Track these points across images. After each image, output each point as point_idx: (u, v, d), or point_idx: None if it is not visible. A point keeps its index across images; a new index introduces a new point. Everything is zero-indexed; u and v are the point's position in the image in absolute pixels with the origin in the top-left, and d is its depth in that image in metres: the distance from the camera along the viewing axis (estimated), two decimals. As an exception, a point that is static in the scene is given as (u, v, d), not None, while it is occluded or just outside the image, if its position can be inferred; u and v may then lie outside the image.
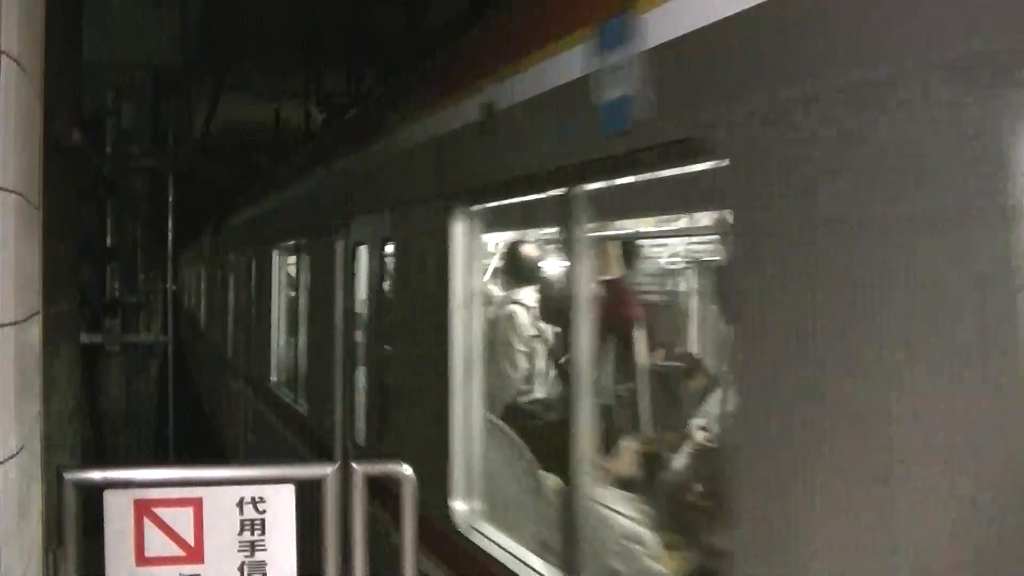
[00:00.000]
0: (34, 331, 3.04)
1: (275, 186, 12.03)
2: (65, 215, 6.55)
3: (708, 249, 6.44)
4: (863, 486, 2.21)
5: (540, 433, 5.13)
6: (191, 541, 3.22)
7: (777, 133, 2.52)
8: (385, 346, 6.54)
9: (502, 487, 4.99)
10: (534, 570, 4.18)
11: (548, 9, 4.20)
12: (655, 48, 3.16)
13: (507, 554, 4.39)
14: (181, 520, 3.21)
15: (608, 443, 4.77)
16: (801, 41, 2.47)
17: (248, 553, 3.25)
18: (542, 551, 4.34)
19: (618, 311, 5.42)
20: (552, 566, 4.08)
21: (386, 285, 6.53)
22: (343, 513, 3.28)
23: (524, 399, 5.95)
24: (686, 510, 4.38)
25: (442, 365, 4.97)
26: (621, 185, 3.51)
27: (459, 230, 4.88)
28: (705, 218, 4.67)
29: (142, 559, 3.18)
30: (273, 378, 11.22)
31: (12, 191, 2.55)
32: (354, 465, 3.33)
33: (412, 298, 5.77)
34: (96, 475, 3.19)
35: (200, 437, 17.29)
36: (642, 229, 5.50)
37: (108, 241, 13.22)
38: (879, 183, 2.18)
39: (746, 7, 2.66)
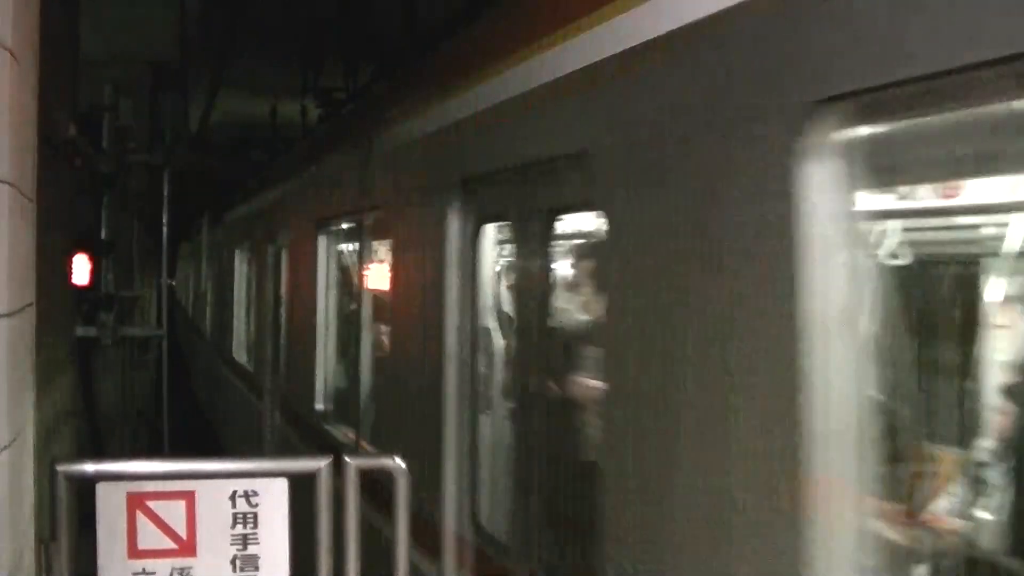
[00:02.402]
0: (27, 322, 3.04)
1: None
2: (60, 208, 6.56)
3: None
4: None
5: None
6: (184, 534, 3.22)
7: None
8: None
9: None
10: None
11: None
12: None
13: None
14: (174, 513, 3.21)
15: None
16: None
17: (241, 546, 3.26)
18: None
19: None
20: None
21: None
22: (336, 507, 3.28)
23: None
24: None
25: None
26: None
27: None
28: None
29: (135, 551, 3.19)
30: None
31: (6, 182, 2.55)
32: (347, 459, 3.34)
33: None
34: (89, 468, 3.19)
35: (195, 431, 17.30)
36: None
37: (104, 235, 13.20)
38: None
39: None
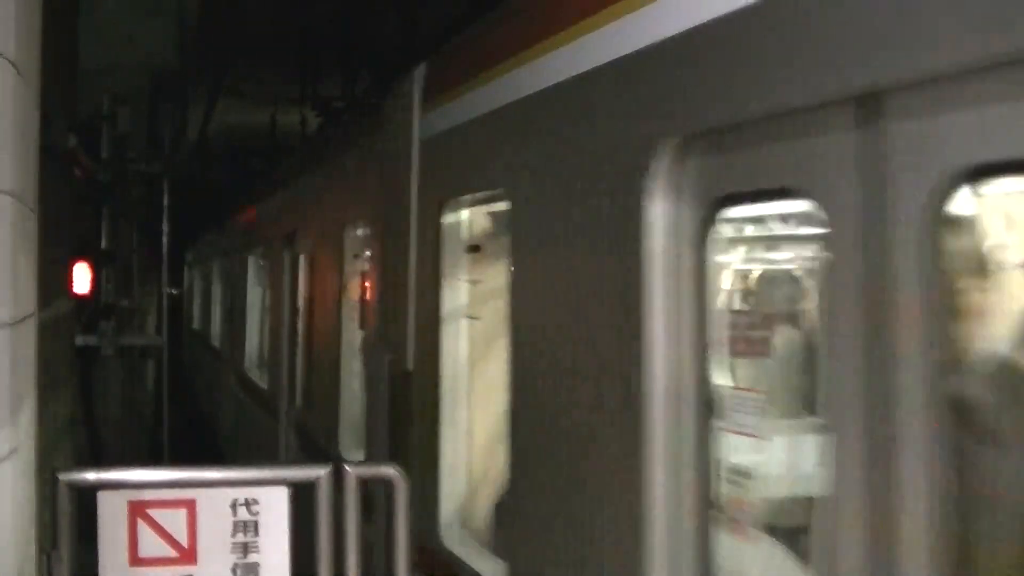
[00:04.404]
0: (29, 332, 3.06)
1: None
2: (61, 218, 6.58)
3: None
4: None
5: None
6: (184, 542, 3.24)
7: None
8: None
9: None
10: None
11: None
12: None
13: None
14: (175, 521, 3.23)
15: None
16: None
17: (241, 555, 3.27)
18: None
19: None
20: None
21: None
22: (336, 515, 3.30)
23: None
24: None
25: None
26: None
27: None
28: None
29: (136, 560, 3.20)
30: None
31: (8, 193, 2.57)
32: (347, 467, 3.35)
33: None
34: (90, 476, 3.21)
35: (195, 439, 17.30)
36: None
37: (103, 244, 13.23)
38: None
39: None
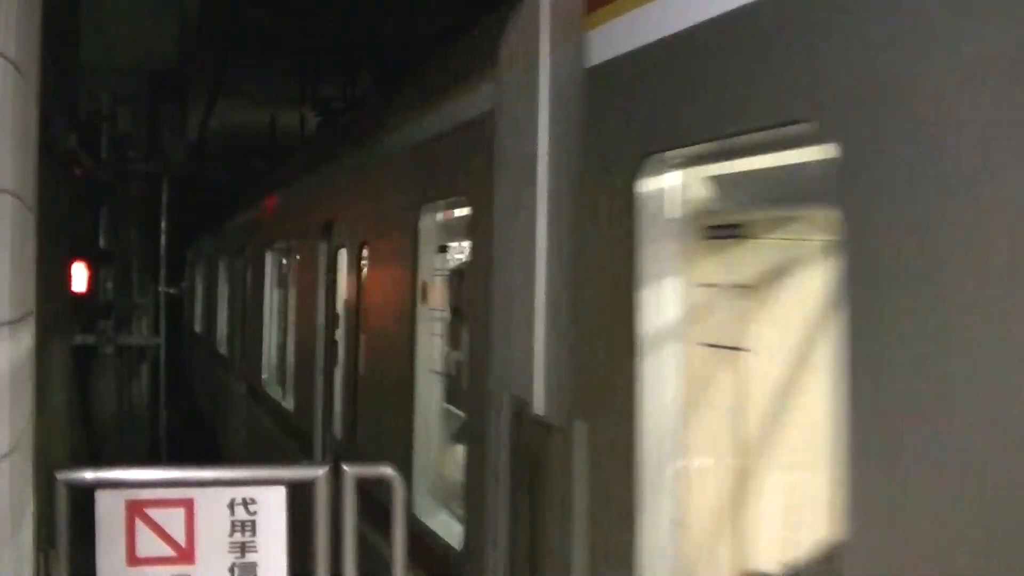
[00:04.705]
0: (27, 331, 3.06)
1: None
2: (60, 217, 6.59)
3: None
4: None
5: None
6: (182, 542, 3.24)
7: None
8: None
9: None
10: None
11: None
12: None
13: None
14: (173, 521, 3.23)
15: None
16: None
17: (239, 554, 3.27)
18: None
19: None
20: None
21: None
22: (334, 515, 3.30)
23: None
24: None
25: None
26: None
27: None
28: None
29: (133, 559, 3.20)
30: None
31: (8, 193, 2.57)
32: (344, 467, 3.35)
33: None
34: (88, 475, 3.21)
35: (192, 437, 17.29)
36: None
37: (102, 243, 13.24)
38: None
39: None
